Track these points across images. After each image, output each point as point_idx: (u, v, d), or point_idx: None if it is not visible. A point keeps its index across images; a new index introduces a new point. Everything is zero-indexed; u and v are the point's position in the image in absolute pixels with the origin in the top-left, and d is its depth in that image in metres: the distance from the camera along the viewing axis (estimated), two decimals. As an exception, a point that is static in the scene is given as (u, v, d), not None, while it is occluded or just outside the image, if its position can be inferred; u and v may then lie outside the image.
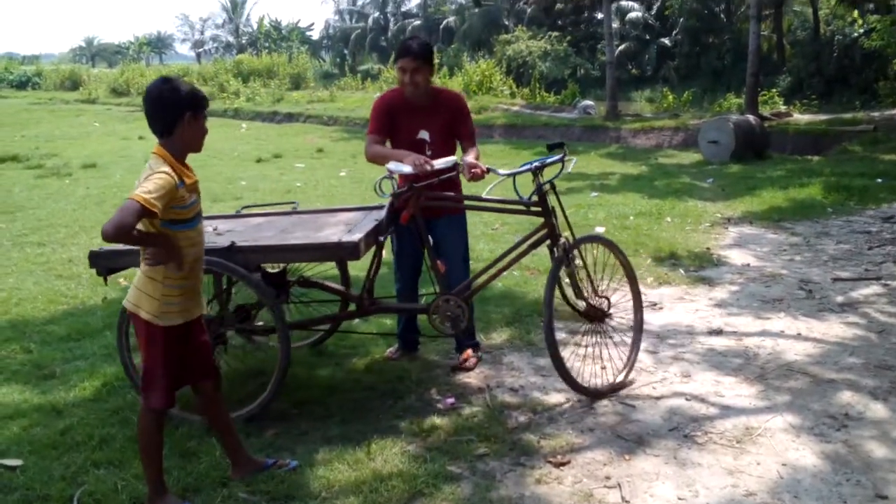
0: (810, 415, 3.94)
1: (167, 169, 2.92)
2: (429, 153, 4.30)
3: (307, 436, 3.80)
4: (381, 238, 4.21)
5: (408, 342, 4.83)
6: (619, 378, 4.35)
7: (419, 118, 4.36)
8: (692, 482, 3.33)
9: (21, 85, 49.13)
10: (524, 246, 4.36)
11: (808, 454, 3.54)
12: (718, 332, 5.22)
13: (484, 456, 3.57)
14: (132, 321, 3.14)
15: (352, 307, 4.53)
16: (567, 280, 4.36)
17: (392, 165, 4.15)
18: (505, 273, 4.58)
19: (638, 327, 4.62)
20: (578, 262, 4.34)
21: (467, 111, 4.52)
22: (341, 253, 3.96)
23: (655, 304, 5.85)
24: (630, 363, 4.46)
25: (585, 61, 36.24)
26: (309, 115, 25.86)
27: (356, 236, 3.94)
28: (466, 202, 4.50)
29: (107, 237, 2.77)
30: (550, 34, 33.82)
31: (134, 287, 3.08)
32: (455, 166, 4.15)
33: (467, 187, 4.67)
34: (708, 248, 7.47)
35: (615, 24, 31.40)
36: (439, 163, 4.12)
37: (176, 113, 2.98)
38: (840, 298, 5.84)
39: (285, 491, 3.27)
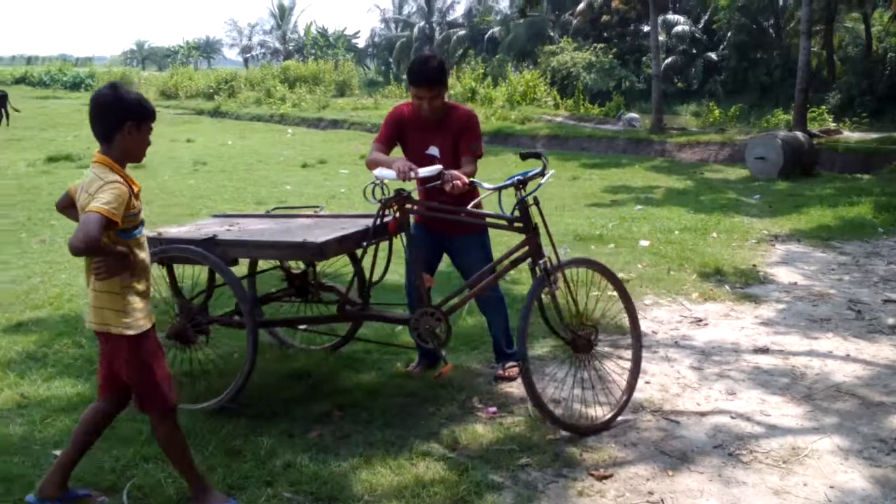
0: (859, 437, 3.87)
1: (118, 178, 2.90)
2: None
3: (350, 438, 3.83)
4: (364, 244, 4.23)
5: (428, 356, 4.68)
6: (608, 416, 4.03)
7: (429, 134, 4.35)
8: (737, 501, 3.30)
9: (74, 86, 50.23)
10: (505, 262, 4.23)
11: (856, 477, 3.48)
12: (765, 351, 5.15)
13: (526, 466, 3.57)
14: (101, 341, 3.10)
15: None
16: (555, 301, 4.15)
17: (378, 172, 4.10)
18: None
19: (635, 364, 4.27)
20: (561, 284, 4.13)
21: (476, 130, 4.40)
22: (305, 253, 4.06)
23: (700, 321, 5.79)
24: (621, 404, 4.11)
25: (630, 74, 36.04)
26: (353, 122, 26.06)
27: (321, 238, 4.00)
28: (450, 216, 4.32)
29: (77, 252, 2.75)
30: (596, 46, 33.75)
31: (93, 307, 3.03)
32: (440, 174, 4.06)
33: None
34: (754, 265, 7.38)
35: (661, 37, 31.21)
36: (424, 171, 4.04)
37: (117, 120, 2.93)
38: (891, 320, 5.73)
39: (328, 492, 3.31)
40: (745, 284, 6.75)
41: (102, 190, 2.83)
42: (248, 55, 73.72)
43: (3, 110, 23.84)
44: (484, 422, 4.03)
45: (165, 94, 40.06)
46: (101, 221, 2.75)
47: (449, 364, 4.28)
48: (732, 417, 4.12)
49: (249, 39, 74.71)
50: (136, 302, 3.01)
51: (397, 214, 4.15)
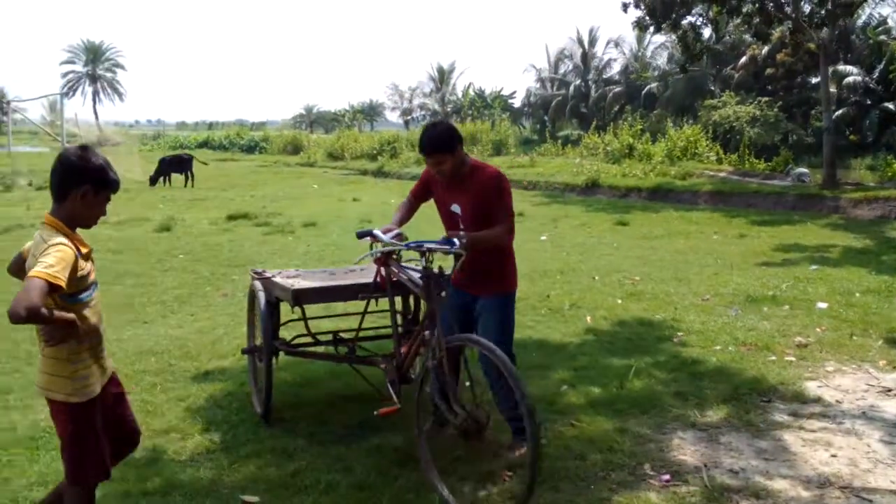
0: None
1: (63, 240, 2.83)
2: (462, 226, 4.31)
3: (519, 499, 3.80)
4: (360, 296, 4.66)
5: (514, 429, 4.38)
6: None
7: (451, 192, 4.38)
8: None
9: (250, 149, 53.92)
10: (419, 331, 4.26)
11: None
12: (968, 426, 4.71)
13: (704, 539, 3.42)
14: (49, 405, 3.04)
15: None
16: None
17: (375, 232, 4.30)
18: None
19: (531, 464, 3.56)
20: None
21: (500, 192, 4.27)
22: (285, 297, 4.79)
23: (890, 390, 5.38)
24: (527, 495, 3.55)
25: (798, 127, 34.45)
26: (509, 180, 26.33)
27: (296, 286, 4.79)
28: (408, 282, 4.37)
29: (17, 320, 2.61)
30: (760, 99, 32.58)
31: (41, 372, 2.99)
32: (399, 236, 4.27)
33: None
34: (949, 332, 6.79)
35: (832, 89, 29.76)
36: (387, 235, 4.23)
37: (73, 182, 2.89)
38: None
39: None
40: (941, 352, 6.23)
41: (45, 253, 2.74)
42: (408, 117, 76.52)
43: (188, 172, 25.92)
44: (657, 490, 3.90)
45: (332, 156, 42.12)
46: (42, 288, 2.64)
47: (396, 406, 4.17)
48: (935, 499, 3.78)
49: (410, 102, 77.57)
50: (84, 368, 2.98)
51: (382, 272, 4.49)
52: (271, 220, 15.91)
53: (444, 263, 4.12)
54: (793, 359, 6.02)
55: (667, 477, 4.03)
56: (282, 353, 5.02)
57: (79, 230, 3.01)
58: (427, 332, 4.03)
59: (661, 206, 18.99)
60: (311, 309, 5.02)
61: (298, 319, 5.12)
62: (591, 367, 5.86)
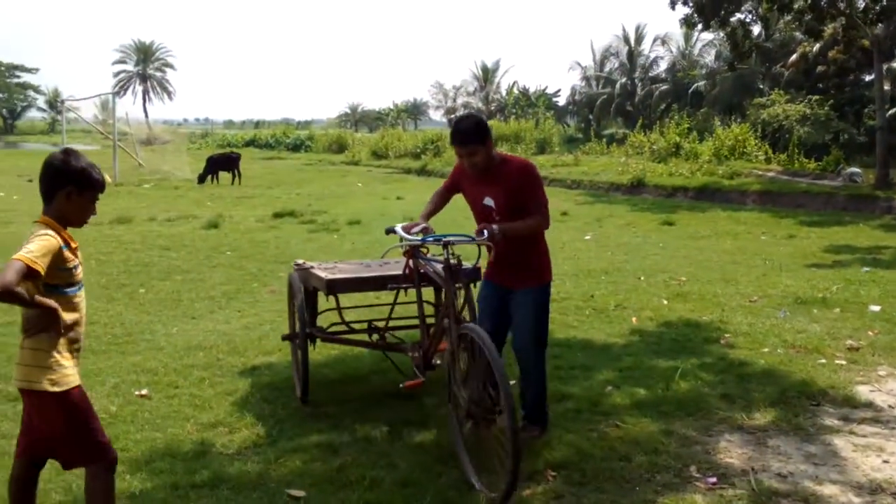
0: None
1: (50, 231, 2.95)
2: (497, 218, 4.34)
3: (563, 499, 3.80)
4: (390, 286, 5.02)
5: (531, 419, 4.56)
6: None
7: (483, 186, 4.43)
8: None
9: (296, 147, 54.42)
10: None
11: None
12: None
13: (752, 544, 3.37)
14: (27, 400, 3.08)
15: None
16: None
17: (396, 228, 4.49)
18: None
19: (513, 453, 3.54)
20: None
21: (532, 181, 4.38)
22: (321, 286, 5.17)
23: (946, 396, 5.25)
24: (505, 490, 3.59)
25: (850, 126, 33.71)
26: (553, 179, 26.24)
27: (330, 276, 5.15)
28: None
29: None
30: (810, 98, 31.94)
31: (19, 365, 3.03)
32: (425, 229, 4.41)
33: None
34: None
35: (886, 86, 29.06)
36: (413, 230, 4.41)
37: (58, 183, 3.02)
38: None
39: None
40: None
41: (30, 240, 2.88)
42: (452, 116, 76.52)
43: (235, 171, 26.28)
44: (703, 493, 3.86)
45: (376, 154, 42.33)
46: (20, 268, 2.75)
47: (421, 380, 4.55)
48: None
49: (454, 101, 77.57)
50: (63, 360, 3.02)
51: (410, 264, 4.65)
52: (316, 217, 16.07)
53: (471, 256, 4.57)
54: (843, 362, 5.91)
55: (713, 480, 3.99)
56: (319, 342, 5.42)
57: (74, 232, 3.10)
58: (446, 321, 4.19)
59: (707, 206, 18.75)
60: (350, 300, 5.30)
61: (334, 309, 5.41)
62: (637, 369, 5.81)
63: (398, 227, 4.43)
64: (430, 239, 4.32)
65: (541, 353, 4.52)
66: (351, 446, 4.43)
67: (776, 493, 3.82)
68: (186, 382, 5.60)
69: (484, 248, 4.24)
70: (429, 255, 4.62)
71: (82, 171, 3.06)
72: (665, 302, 8.08)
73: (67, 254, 3.00)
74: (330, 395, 5.30)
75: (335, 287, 5.15)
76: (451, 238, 4.16)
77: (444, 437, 4.48)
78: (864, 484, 3.93)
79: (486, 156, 4.33)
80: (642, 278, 9.49)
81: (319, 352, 6.37)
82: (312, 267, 5.46)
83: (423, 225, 4.45)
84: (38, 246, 2.85)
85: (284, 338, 5.61)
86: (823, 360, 5.94)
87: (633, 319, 7.36)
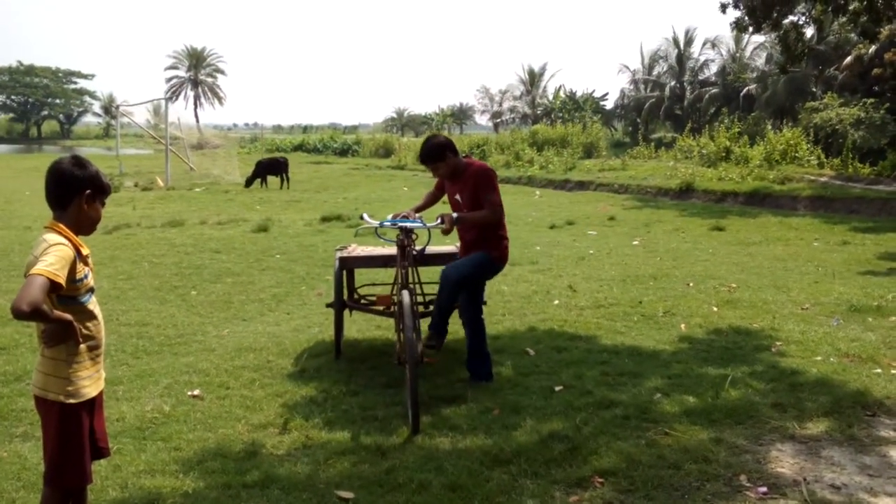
0: None
1: (63, 240, 2.92)
2: (464, 210, 5.59)
3: (611, 507, 3.78)
4: (389, 266, 6.25)
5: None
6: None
7: (454, 186, 5.74)
8: None
9: (343, 152, 54.92)
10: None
11: None
12: None
13: (804, 555, 3.31)
14: (37, 406, 3.10)
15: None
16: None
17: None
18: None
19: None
20: None
21: (485, 182, 5.56)
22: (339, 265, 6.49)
23: None
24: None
25: (907, 129, 32.90)
26: (600, 183, 26.09)
27: (341, 255, 6.56)
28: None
29: (21, 316, 2.70)
30: (865, 101, 31.23)
31: (38, 372, 3.05)
32: (405, 219, 5.62)
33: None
34: None
35: (946, 89, 28.27)
36: (408, 223, 5.56)
37: (73, 191, 3.01)
38: None
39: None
40: None
41: (46, 252, 2.83)
42: (497, 120, 76.54)
43: (283, 175, 26.62)
44: (753, 502, 3.81)
45: (422, 159, 42.39)
46: (44, 285, 2.74)
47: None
48: None
49: (500, 105, 77.59)
50: (82, 370, 3.05)
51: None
52: (363, 222, 16.16)
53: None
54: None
55: (764, 489, 3.93)
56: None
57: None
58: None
59: (758, 212, 18.45)
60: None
61: (370, 284, 7.19)
62: (686, 376, 5.75)
63: (364, 215, 6.00)
64: (388, 223, 5.61)
65: (471, 302, 5.67)
66: (399, 449, 4.47)
67: (829, 505, 3.76)
68: (237, 384, 5.70)
69: (435, 232, 5.53)
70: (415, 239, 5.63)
71: (96, 176, 3.09)
72: (715, 309, 7.98)
73: (80, 265, 3.00)
74: (378, 397, 5.35)
75: (347, 263, 6.54)
76: (407, 223, 5.48)
77: (493, 441, 4.50)
78: (921, 497, 3.84)
79: (447, 168, 5.62)
80: (691, 284, 9.38)
81: (371, 357, 6.44)
82: (344, 248, 6.84)
83: (405, 212, 5.73)
84: (56, 258, 2.83)
85: (328, 305, 6.67)
86: (879, 370, 5.81)
87: (682, 326, 7.28)
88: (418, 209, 5.91)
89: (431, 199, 6.15)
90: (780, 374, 5.73)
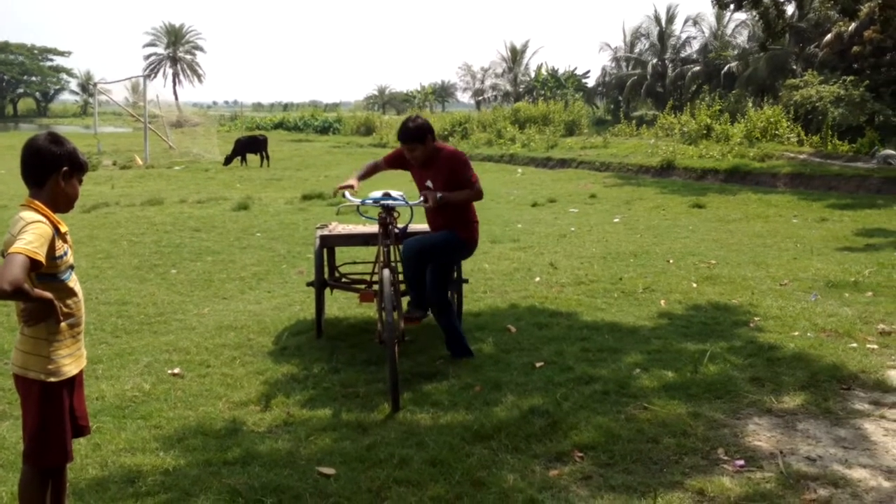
0: None
1: (41, 218, 2.90)
2: (438, 196, 5.43)
3: (590, 480, 3.82)
4: (370, 244, 6.09)
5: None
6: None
7: (424, 171, 5.66)
8: None
9: (324, 130, 54.57)
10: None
11: None
12: None
13: (779, 526, 3.37)
14: (17, 385, 3.08)
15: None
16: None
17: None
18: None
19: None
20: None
21: (460, 165, 5.59)
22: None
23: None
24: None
25: (886, 107, 33.10)
26: (581, 161, 26.09)
27: (321, 233, 6.42)
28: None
29: (2, 296, 2.68)
30: (845, 79, 31.39)
31: (18, 350, 3.03)
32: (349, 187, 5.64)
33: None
34: None
35: (924, 67, 28.45)
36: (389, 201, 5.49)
37: (50, 168, 2.98)
38: None
39: (571, 533, 3.31)
40: None
41: (24, 230, 2.81)
42: (479, 98, 76.27)
43: (263, 153, 26.44)
44: (731, 475, 3.85)
45: (403, 136, 42.21)
46: (24, 263, 2.72)
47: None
48: None
49: (482, 83, 77.30)
50: (62, 348, 3.04)
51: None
52: (345, 199, 16.10)
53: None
54: (875, 346, 5.85)
55: (741, 462, 3.99)
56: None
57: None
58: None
59: (738, 189, 18.55)
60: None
61: (351, 262, 7.21)
62: (665, 351, 5.80)
63: (346, 193, 5.66)
64: (370, 201, 5.51)
65: (436, 285, 5.55)
66: (380, 425, 4.48)
67: (805, 477, 3.81)
68: (218, 362, 5.69)
69: (416, 210, 5.56)
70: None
71: (73, 153, 3.06)
72: (694, 285, 8.04)
73: (58, 242, 2.97)
74: (359, 374, 5.36)
75: (328, 241, 6.43)
76: (389, 201, 5.42)
77: (473, 417, 4.52)
78: (893, 468, 3.90)
79: (424, 151, 5.54)
80: (671, 261, 9.44)
81: (353, 335, 6.44)
82: (324, 227, 6.66)
83: (349, 182, 5.66)
84: (35, 235, 2.81)
85: (308, 284, 6.60)
86: (855, 345, 5.89)
87: (662, 302, 7.34)
88: (361, 177, 5.84)
89: (373, 172, 5.98)
90: (757, 349, 5.80)
